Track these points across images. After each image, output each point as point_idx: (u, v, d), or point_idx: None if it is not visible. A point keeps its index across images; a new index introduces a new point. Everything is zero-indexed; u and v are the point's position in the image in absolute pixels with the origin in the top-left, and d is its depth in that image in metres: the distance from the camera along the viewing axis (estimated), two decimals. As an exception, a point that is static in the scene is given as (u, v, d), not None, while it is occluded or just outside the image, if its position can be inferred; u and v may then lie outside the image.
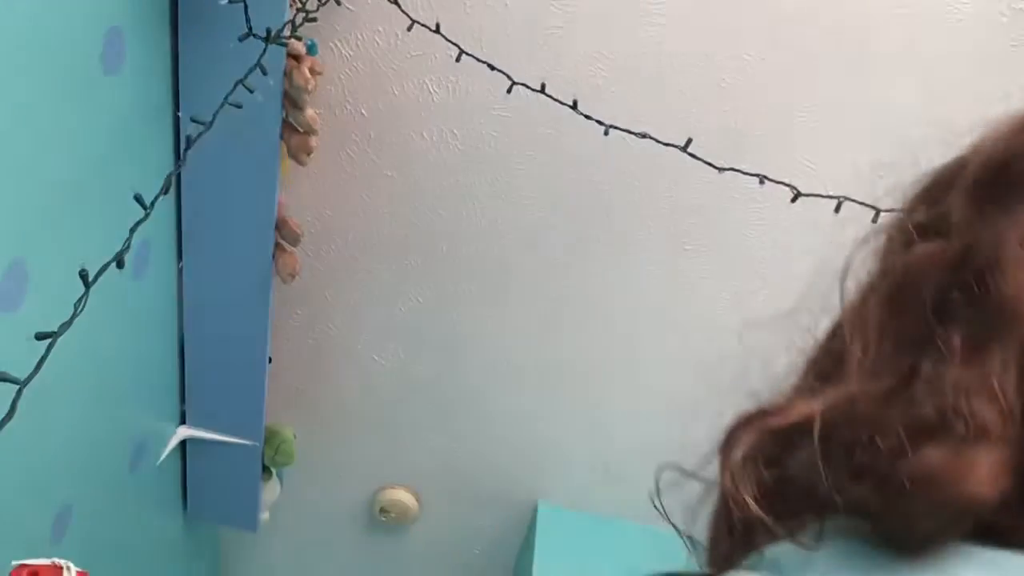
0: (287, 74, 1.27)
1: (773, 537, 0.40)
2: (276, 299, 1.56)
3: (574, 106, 1.24)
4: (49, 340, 0.62)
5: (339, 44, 1.45)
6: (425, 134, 1.53)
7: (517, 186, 1.58)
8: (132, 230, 0.72)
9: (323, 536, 2.21)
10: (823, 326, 0.47)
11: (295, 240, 1.47)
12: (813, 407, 0.40)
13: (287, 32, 1.14)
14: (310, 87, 1.29)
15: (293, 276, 1.50)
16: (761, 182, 1.23)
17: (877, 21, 1.37)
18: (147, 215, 0.72)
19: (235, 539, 2.22)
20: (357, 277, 1.73)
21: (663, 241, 1.62)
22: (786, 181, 1.21)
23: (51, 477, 1.16)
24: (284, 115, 1.32)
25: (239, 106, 0.93)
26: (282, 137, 1.34)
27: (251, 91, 0.97)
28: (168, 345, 1.52)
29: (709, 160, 1.21)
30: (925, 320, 0.39)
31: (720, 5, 1.38)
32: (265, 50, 1.02)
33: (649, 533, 1.79)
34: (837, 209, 1.15)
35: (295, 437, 1.89)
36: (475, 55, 1.28)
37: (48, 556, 0.79)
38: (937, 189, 0.44)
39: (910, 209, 0.45)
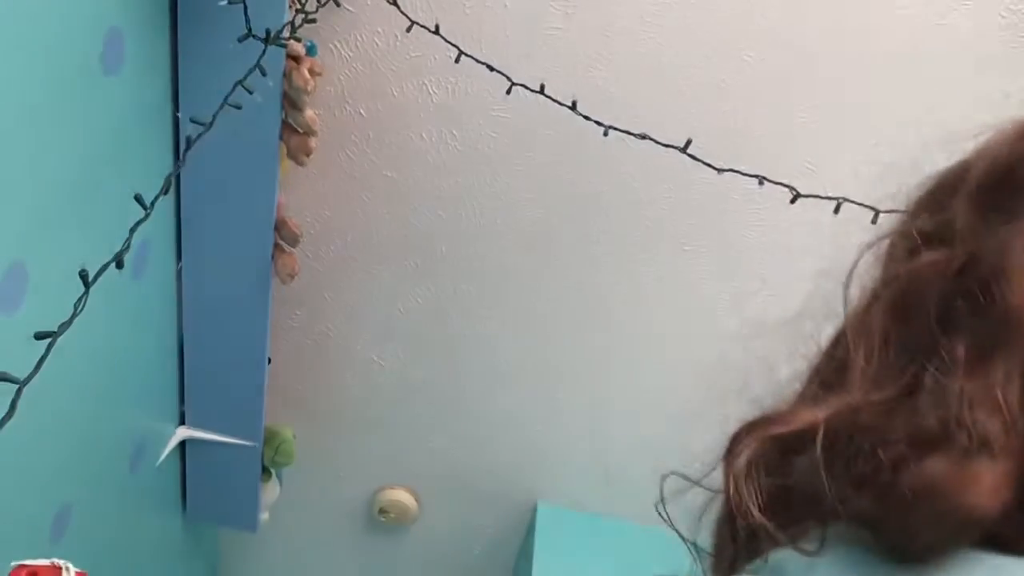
0: (286, 75, 1.27)
1: (776, 544, 0.40)
2: (275, 300, 1.56)
3: (573, 107, 1.24)
4: (48, 340, 0.62)
5: (338, 45, 1.45)
6: (424, 135, 1.53)
7: (516, 187, 1.58)
8: (132, 230, 0.72)
9: (322, 536, 2.21)
10: (826, 333, 0.46)
11: (294, 241, 1.47)
12: (816, 415, 0.40)
13: (286, 33, 1.14)
14: (309, 88, 1.29)
15: (292, 277, 1.50)
16: (760, 183, 1.23)
17: (876, 22, 1.37)
18: (147, 215, 0.72)
19: (234, 539, 2.22)
20: (356, 278, 1.73)
21: (662, 242, 1.62)
22: (785, 182, 1.20)
23: (51, 477, 1.16)
24: (283, 116, 1.32)
25: (239, 107, 0.93)
26: (281, 138, 1.34)
27: (250, 92, 0.97)
28: (167, 345, 1.52)
29: (708, 161, 1.21)
30: (929, 329, 0.38)
31: (719, 6, 1.38)
32: (264, 51, 1.02)
33: (649, 534, 1.79)
34: (836, 210, 1.15)
35: (295, 437, 1.89)
36: (474, 56, 1.28)
37: (47, 556, 0.79)
38: (940, 194, 0.44)
39: (913, 215, 0.45)
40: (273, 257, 1.47)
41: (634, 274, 1.66)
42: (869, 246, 0.46)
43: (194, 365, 1.58)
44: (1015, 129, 0.42)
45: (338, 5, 1.37)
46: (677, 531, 0.48)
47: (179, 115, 1.27)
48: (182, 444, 1.69)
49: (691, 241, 1.61)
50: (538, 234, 1.63)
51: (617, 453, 1.91)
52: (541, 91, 1.24)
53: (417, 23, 1.29)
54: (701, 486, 0.46)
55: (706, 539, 0.46)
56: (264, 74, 1.00)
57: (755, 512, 0.41)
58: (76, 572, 0.79)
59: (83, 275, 0.64)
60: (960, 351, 0.37)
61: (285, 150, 1.39)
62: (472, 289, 1.72)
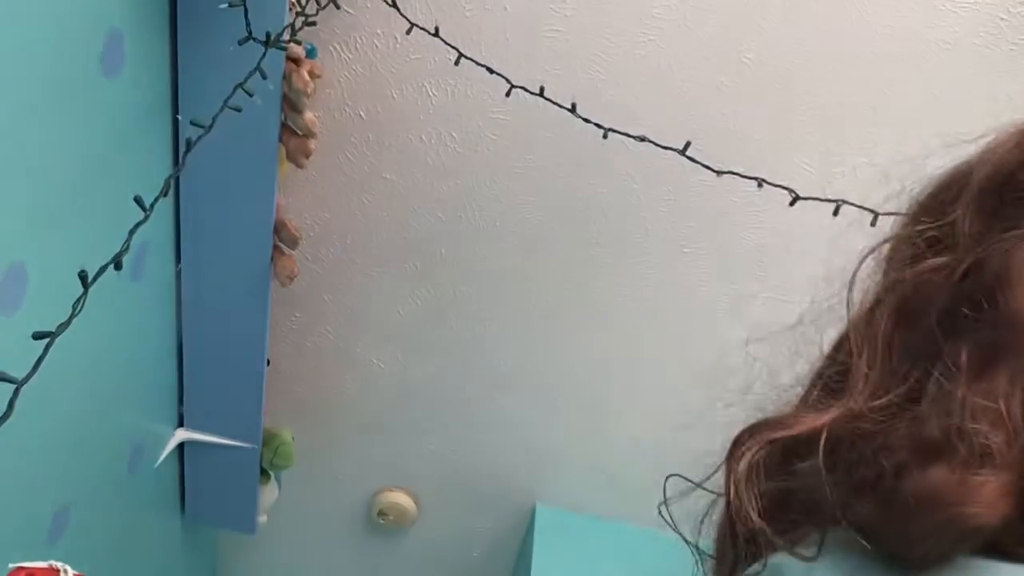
0: (286, 77, 1.27)
1: (774, 548, 0.40)
2: (274, 302, 1.56)
3: (573, 109, 1.25)
4: (47, 340, 0.62)
5: (338, 47, 1.45)
6: (424, 137, 1.53)
7: (516, 189, 1.58)
8: (131, 232, 0.71)
9: (321, 539, 2.21)
10: (829, 337, 0.46)
11: (294, 243, 1.47)
12: (819, 420, 0.40)
13: (287, 36, 1.14)
14: (309, 90, 1.29)
15: (291, 279, 1.50)
16: (759, 185, 1.23)
17: (876, 24, 1.38)
18: (146, 217, 0.72)
19: (233, 542, 2.22)
20: (356, 280, 1.73)
21: (661, 244, 1.62)
22: (784, 184, 1.21)
23: (49, 478, 1.16)
24: (283, 118, 1.32)
25: (238, 109, 0.93)
26: (281, 140, 1.34)
27: (250, 95, 0.97)
28: (166, 347, 1.52)
29: (707, 163, 1.21)
30: (932, 335, 0.38)
31: (719, 8, 1.38)
32: (265, 54, 1.02)
33: (648, 536, 1.79)
34: (836, 212, 1.15)
35: (293, 440, 1.89)
36: (474, 58, 1.28)
37: (45, 558, 0.79)
38: (942, 199, 0.43)
39: (915, 219, 0.44)
40: (272, 259, 1.47)
41: (633, 276, 1.66)
42: (871, 250, 0.45)
43: (193, 367, 1.58)
44: (1017, 133, 0.42)
45: (338, 7, 1.37)
46: (680, 533, 0.48)
47: (179, 117, 1.27)
48: (181, 446, 1.69)
49: (690, 243, 1.61)
50: (537, 236, 1.63)
51: (616, 455, 1.91)
52: (540, 93, 1.24)
53: (417, 25, 1.29)
54: (703, 488, 0.46)
55: (707, 542, 0.46)
56: (264, 77, 1.00)
57: (754, 516, 0.41)
58: (74, 574, 0.79)
59: (82, 276, 0.64)
60: (963, 358, 0.36)
61: (284, 152, 1.39)
62: (471, 291, 1.72)
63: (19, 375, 0.62)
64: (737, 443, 0.44)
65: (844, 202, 1.14)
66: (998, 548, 0.35)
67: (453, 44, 1.28)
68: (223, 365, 1.57)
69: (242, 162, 1.33)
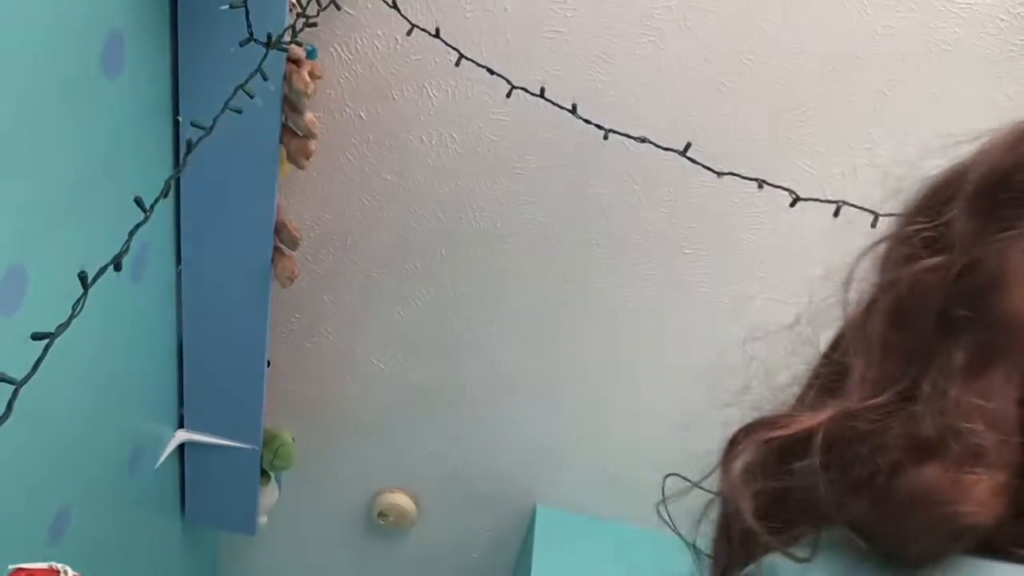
0: (286, 78, 1.27)
1: (769, 549, 0.40)
2: (275, 303, 1.56)
3: (573, 110, 1.25)
4: (46, 341, 0.62)
5: (339, 48, 1.45)
6: (424, 138, 1.53)
7: (516, 190, 1.58)
8: (131, 233, 0.71)
9: (321, 540, 2.21)
10: (826, 337, 0.46)
11: (294, 244, 1.47)
12: (815, 420, 0.40)
13: (288, 37, 1.14)
14: (309, 91, 1.30)
15: (292, 280, 1.50)
16: (760, 186, 1.23)
17: (876, 24, 1.38)
18: (146, 218, 0.72)
19: (233, 543, 2.22)
20: (356, 281, 1.73)
21: (662, 245, 1.62)
22: (785, 185, 1.21)
23: (49, 479, 1.16)
24: (283, 119, 1.33)
25: (239, 111, 0.93)
26: (281, 141, 1.34)
27: (251, 96, 0.97)
28: (167, 348, 1.52)
29: (708, 164, 1.21)
30: (927, 336, 0.39)
31: (719, 9, 1.38)
32: (266, 55, 1.02)
33: (648, 536, 1.79)
34: (836, 213, 1.15)
35: (294, 441, 1.89)
36: (474, 59, 1.28)
37: (45, 559, 0.79)
38: (937, 200, 0.44)
39: (910, 220, 0.45)
40: (273, 260, 1.47)
41: (633, 277, 1.66)
42: (867, 250, 0.46)
43: (193, 368, 1.58)
44: (1011, 134, 0.42)
45: (338, 8, 1.37)
46: (678, 533, 0.49)
47: (179, 118, 1.27)
48: (181, 447, 1.69)
49: (691, 244, 1.61)
50: (538, 237, 1.63)
51: (616, 456, 1.91)
52: (541, 94, 1.24)
53: (417, 26, 1.29)
54: (701, 488, 0.46)
55: (705, 542, 0.46)
56: (265, 78, 1.00)
57: (749, 517, 0.41)
58: (74, 575, 0.79)
59: (82, 277, 0.64)
60: (958, 359, 0.37)
61: (285, 153, 1.39)
62: (472, 292, 1.72)
63: (19, 375, 0.62)
64: (733, 443, 0.44)
65: (844, 203, 1.14)
66: (992, 547, 0.35)
67: (454, 45, 1.28)
68: (223, 366, 1.57)
69: (243, 163, 1.33)
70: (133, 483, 1.49)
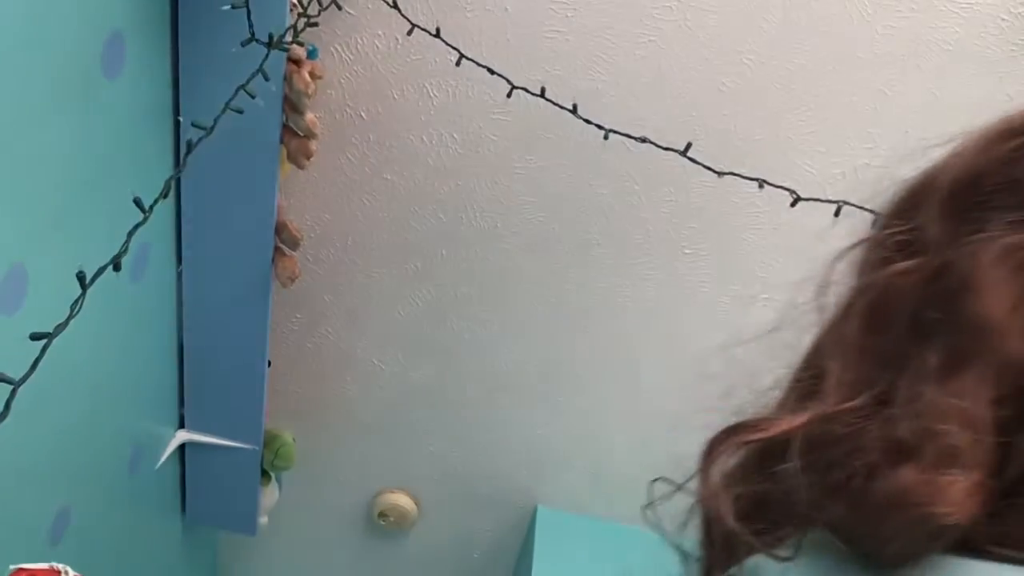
0: (287, 78, 1.27)
1: (752, 550, 0.41)
2: (275, 303, 1.56)
3: (574, 110, 1.25)
4: (45, 341, 0.62)
5: (339, 48, 1.45)
6: (425, 138, 1.53)
7: (517, 190, 1.58)
8: (130, 234, 0.72)
9: (322, 540, 2.21)
10: (807, 340, 0.47)
11: (294, 244, 1.47)
12: (793, 423, 0.40)
13: (289, 37, 1.14)
14: (310, 91, 1.30)
15: (292, 280, 1.50)
16: (760, 186, 1.23)
17: (877, 26, 1.38)
18: (145, 219, 0.72)
19: (233, 543, 2.22)
20: (356, 281, 1.73)
21: (662, 245, 1.62)
22: (786, 185, 1.21)
23: (50, 479, 1.16)
24: (284, 119, 1.33)
25: (240, 111, 0.93)
26: (282, 141, 1.35)
27: (252, 96, 0.97)
28: (167, 348, 1.52)
29: (708, 164, 1.21)
30: (902, 339, 0.39)
31: (719, 9, 1.38)
32: (267, 55, 1.02)
33: (649, 538, 1.79)
34: (837, 213, 1.15)
35: (294, 441, 1.89)
36: (475, 59, 1.28)
37: (46, 559, 0.79)
38: (910, 203, 0.44)
39: (885, 224, 0.45)
40: (273, 260, 1.47)
41: (634, 277, 1.66)
42: (842, 254, 0.46)
43: (194, 368, 1.58)
44: (983, 137, 0.42)
45: (339, 8, 1.37)
46: (665, 536, 0.49)
47: (180, 119, 1.27)
48: (181, 447, 1.69)
49: (691, 244, 1.61)
50: (538, 237, 1.63)
51: (617, 457, 1.91)
52: (542, 94, 1.24)
53: (418, 26, 1.29)
54: (687, 491, 0.46)
55: (692, 543, 0.47)
56: (267, 78, 1.01)
57: (730, 519, 0.42)
58: (75, 575, 0.79)
59: (80, 277, 0.64)
60: (932, 361, 0.37)
61: (285, 153, 1.39)
62: (472, 292, 1.72)
63: (19, 375, 0.62)
64: (712, 446, 0.44)
65: (845, 203, 1.14)
66: (970, 546, 0.36)
67: (454, 45, 1.28)
68: (224, 366, 1.57)
69: (243, 163, 1.33)
70: (134, 483, 1.49)
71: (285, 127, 1.34)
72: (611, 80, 1.44)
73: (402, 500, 2.05)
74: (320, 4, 1.30)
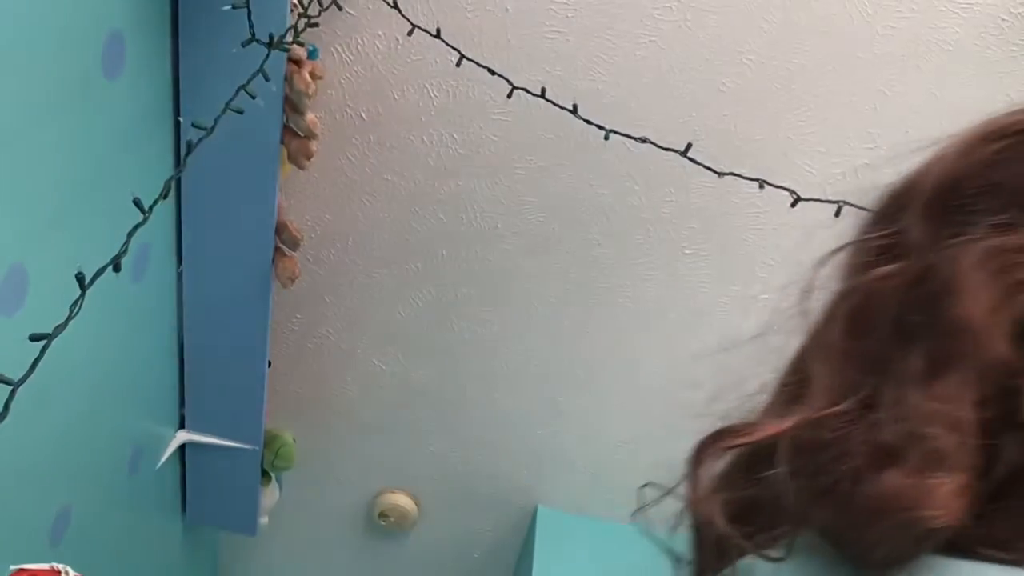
0: (288, 78, 1.27)
1: (743, 552, 0.41)
2: (275, 303, 1.56)
3: (574, 110, 1.24)
4: (44, 342, 0.62)
5: (340, 48, 1.45)
6: (425, 138, 1.53)
7: (517, 190, 1.58)
8: (130, 234, 0.72)
9: (322, 540, 2.21)
10: (794, 345, 0.47)
11: (295, 244, 1.47)
12: (779, 428, 0.41)
13: (289, 37, 1.14)
14: (311, 91, 1.30)
15: (293, 280, 1.50)
16: (761, 186, 1.23)
17: (877, 25, 1.37)
18: (145, 219, 0.72)
19: (234, 543, 2.22)
20: (357, 281, 1.73)
21: (663, 245, 1.62)
22: (786, 185, 1.20)
23: (50, 480, 1.16)
24: (284, 119, 1.33)
25: (240, 111, 0.93)
26: (282, 141, 1.35)
27: (253, 96, 0.97)
28: (167, 349, 1.52)
29: (709, 164, 1.21)
30: (885, 343, 0.39)
31: (720, 9, 1.38)
32: (268, 55, 1.02)
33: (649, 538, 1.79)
34: (837, 213, 1.14)
35: (295, 441, 1.89)
36: (475, 59, 1.28)
37: (46, 560, 0.79)
38: (893, 207, 0.44)
39: (867, 228, 0.45)
40: (273, 260, 1.47)
41: (634, 277, 1.66)
42: (826, 258, 0.46)
43: (194, 368, 1.58)
44: (963, 141, 0.42)
45: (340, 9, 1.37)
46: (657, 539, 0.49)
47: (180, 119, 1.27)
48: (182, 447, 1.69)
49: (692, 244, 1.61)
50: (539, 237, 1.63)
51: (618, 457, 1.91)
52: (542, 95, 1.24)
53: (418, 27, 1.29)
54: (676, 495, 0.46)
55: (683, 546, 0.47)
56: (267, 79, 1.00)
57: (720, 523, 0.42)
58: (75, 575, 0.79)
59: (80, 277, 0.64)
60: (915, 365, 0.37)
61: (286, 153, 1.39)
62: (473, 292, 1.72)
63: (19, 376, 0.62)
64: (699, 450, 0.45)
65: (845, 203, 1.14)
66: (958, 548, 0.36)
67: (454, 45, 1.28)
68: (224, 366, 1.57)
69: (243, 164, 1.33)
70: (134, 483, 1.49)
71: (285, 127, 1.34)
72: (611, 80, 1.44)
73: (402, 500, 2.05)
74: (320, 4, 1.30)
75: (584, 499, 1.99)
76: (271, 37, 1.04)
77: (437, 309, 1.75)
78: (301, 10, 1.23)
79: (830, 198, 1.16)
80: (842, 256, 0.46)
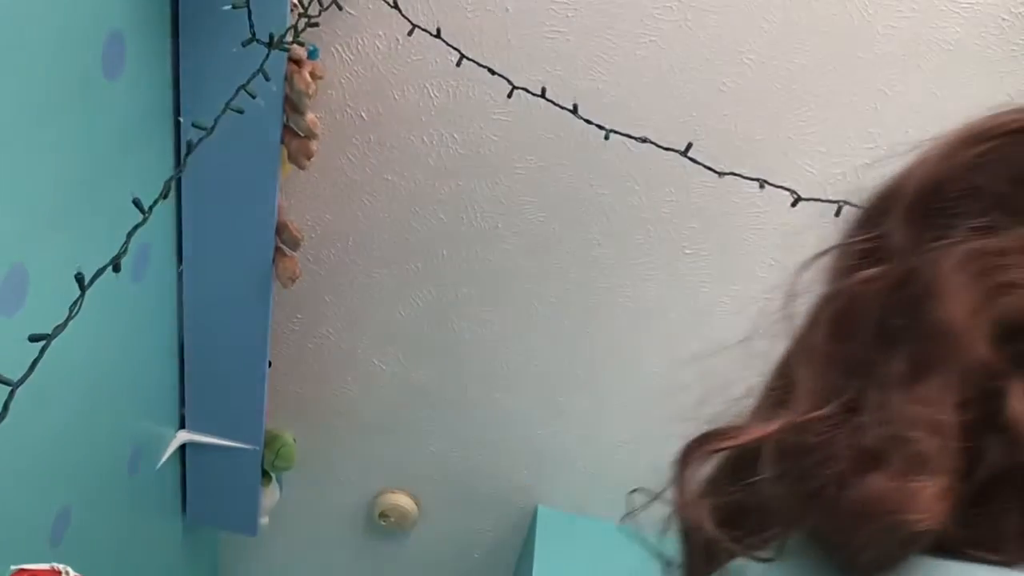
0: (288, 78, 1.27)
1: (734, 555, 0.41)
2: (276, 303, 1.56)
3: (574, 110, 1.24)
4: (43, 342, 0.62)
5: (340, 48, 1.45)
6: (425, 138, 1.53)
7: (517, 190, 1.58)
8: (130, 234, 0.72)
9: (322, 541, 2.21)
10: (780, 348, 0.47)
11: (295, 244, 1.47)
12: (763, 431, 0.41)
13: (289, 37, 1.14)
14: (311, 91, 1.30)
15: (293, 280, 1.50)
16: (761, 186, 1.22)
17: (877, 24, 1.37)
18: (145, 219, 0.72)
19: (234, 543, 2.22)
20: (357, 281, 1.73)
21: (663, 245, 1.61)
22: (786, 185, 1.20)
23: (50, 480, 1.16)
24: (284, 119, 1.33)
25: (240, 111, 0.93)
26: (282, 141, 1.35)
27: (253, 96, 0.97)
28: (168, 349, 1.52)
29: (709, 164, 1.21)
30: (868, 347, 0.39)
31: (720, 9, 1.38)
32: (268, 55, 1.02)
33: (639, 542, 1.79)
34: (838, 213, 1.14)
35: (295, 441, 1.89)
36: (475, 59, 1.28)
37: (47, 560, 0.79)
38: (877, 210, 0.44)
39: (853, 231, 0.45)
40: (274, 260, 1.47)
41: (635, 277, 1.66)
42: (809, 262, 0.46)
43: (194, 368, 1.58)
44: (945, 144, 0.42)
45: (340, 9, 1.37)
46: (647, 544, 0.49)
47: (180, 119, 1.27)
48: (182, 447, 1.69)
49: (692, 244, 1.61)
50: (539, 237, 1.63)
51: (618, 457, 1.91)
52: (542, 94, 1.24)
53: (418, 27, 1.29)
54: (663, 500, 0.46)
55: (673, 550, 0.47)
56: (268, 78, 1.00)
57: (708, 526, 0.42)
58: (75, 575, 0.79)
59: (79, 278, 0.64)
60: (898, 368, 0.37)
61: (286, 153, 1.39)
62: (473, 292, 1.72)
63: (19, 376, 0.62)
64: (685, 454, 0.45)
65: (846, 203, 1.14)
66: (946, 550, 0.36)
67: (455, 45, 1.28)
68: (225, 366, 1.57)
69: (244, 163, 1.33)
70: (134, 484, 1.49)
71: (286, 127, 1.34)
72: (612, 80, 1.44)
73: (403, 500, 2.05)
74: (321, 4, 1.30)
75: (584, 499, 1.99)
76: (271, 37, 1.04)
77: (437, 309, 1.75)
78: (301, 10, 1.23)
79: (830, 198, 1.16)
80: (827, 260, 0.46)
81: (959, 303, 0.36)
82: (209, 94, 1.22)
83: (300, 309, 1.78)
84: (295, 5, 1.23)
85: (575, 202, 1.58)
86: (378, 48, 1.45)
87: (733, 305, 1.66)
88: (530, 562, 1.89)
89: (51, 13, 0.88)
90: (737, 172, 1.23)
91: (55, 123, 0.94)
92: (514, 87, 1.26)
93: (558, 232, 1.62)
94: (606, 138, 1.24)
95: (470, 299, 1.73)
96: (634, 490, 0.50)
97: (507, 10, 1.40)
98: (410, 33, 1.29)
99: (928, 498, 0.34)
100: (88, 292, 0.66)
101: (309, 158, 1.40)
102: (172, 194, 1.36)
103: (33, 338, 0.61)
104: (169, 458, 1.61)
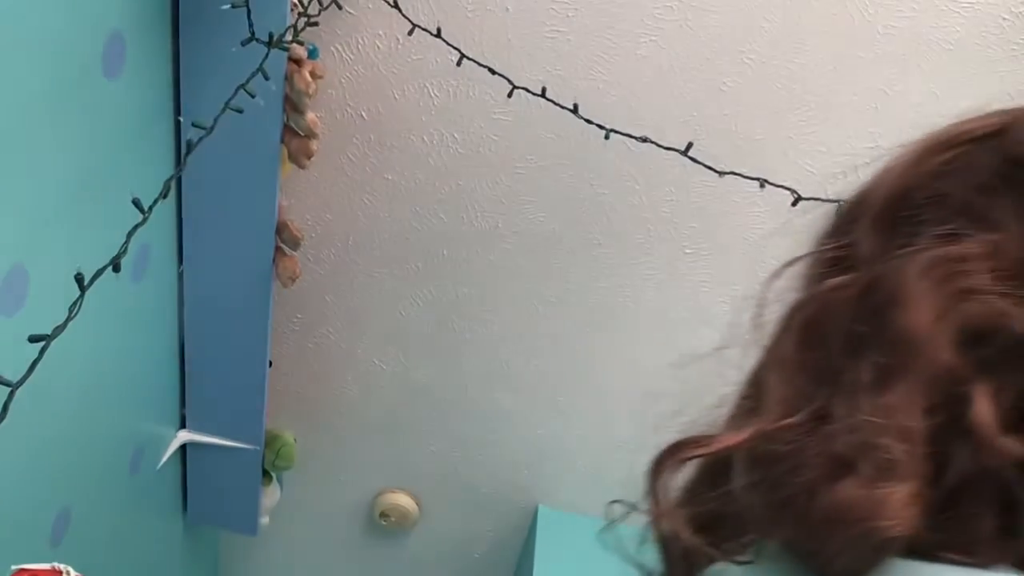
0: (288, 78, 1.27)
1: (712, 560, 0.41)
2: (276, 303, 1.56)
3: (575, 110, 1.24)
4: (43, 343, 0.62)
5: (340, 48, 1.45)
6: (426, 138, 1.53)
7: (518, 190, 1.58)
8: (129, 234, 0.72)
9: (323, 540, 2.21)
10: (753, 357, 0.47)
11: (295, 244, 1.47)
12: (735, 440, 0.41)
13: (289, 36, 1.14)
14: (311, 91, 1.30)
15: (293, 280, 1.50)
16: (762, 186, 1.22)
17: (878, 24, 1.37)
18: (145, 219, 0.72)
19: (235, 543, 2.22)
20: (357, 281, 1.73)
21: (663, 244, 1.61)
22: (787, 185, 1.20)
23: (50, 480, 1.16)
24: (284, 119, 1.33)
25: (240, 111, 0.93)
26: (282, 141, 1.35)
27: (253, 96, 0.97)
28: (168, 349, 1.52)
29: (709, 164, 1.21)
30: (837, 354, 0.39)
31: (720, 8, 1.38)
32: (268, 55, 1.02)
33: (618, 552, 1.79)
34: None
35: (295, 441, 1.89)
36: (476, 59, 1.28)
37: (47, 560, 0.79)
38: (847, 218, 0.45)
39: (823, 239, 0.46)
40: (274, 260, 1.47)
41: (635, 277, 1.66)
42: (779, 271, 0.47)
43: (195, 368, 1.58)
44: (912, 152, 0.43)
45: (340, 8, 1.37)
46: (626, 554, 0.50)
47: (180, 119, 1.27)
48: (183, 447, 1.69)
49: (692, 244, 1.61)
50: (539, 237, 1.63)
51: (619, 457, 1.90)
52: (542, 94, 1.24)
53: (419, 26, 1.29)
54: (641, 510, 0.47)
55: (652, 559, 0.47)
56: (267, 78, 1.00)
57: (684, 534, 0.42)
58: (76, 575, 0.79)
59: (79, 278, 0.64)
60: (865, 376, 0.37)
61: (286, 153, 1.39)
62: (473, 292, 1.72)
63: (18, 378, 0.62)
64: (657, 463, 0.45)
65: (846, 203, 1.14)
66: (921, 553, 0.36)
67: (455, 45, 1.28)
68: (225, 366, 1.57)
69: (244, 163, 1.33)
70: (135, 484, 1.49)
71: (286, 127, 1.34)
72: (612, 80, 1.44)
73: (403, 500, 2.05)
74: (320, 4, 1.30)
75: (584, 499, 1.99)
76: (271, 36, 1.04)
77: (437, 309, 1.75)
78: (301, 9, 1.23)
79: (830, 198, 1.16)
80: (799, 267, 0.46)
81: (922, 310, 0.36)
82: (209, 94, 1.22)
83: (300, 309, 1.78)
84: (295, 4, 1.23)
85: (575, 202, 1.58)
86: (378, 48, 1.45)
87: (733, 304, 1.66)
88: (530, 562, 1.89)
89: (51, 13, 0.88)
90: (737, 172, 1.23)
91: (55, 123, 0.94)
92: (514, 87, 1.26)
93: (558, 232, 1.62)
94: (606, 138, 1.24)
95: (470, 299, 1.73)
96: (613, 502, 0.50)
97: (507, 10, 1.40)
98: (410, 33, 1.29)
99: (897, 504, 0.34)
100: (88, 292, 0.66)
101: (309, 158, 1.40)
102: (172, 194, 1.36)
103: (33, 338, 0.61)
104: (169, 458, 1.61)
